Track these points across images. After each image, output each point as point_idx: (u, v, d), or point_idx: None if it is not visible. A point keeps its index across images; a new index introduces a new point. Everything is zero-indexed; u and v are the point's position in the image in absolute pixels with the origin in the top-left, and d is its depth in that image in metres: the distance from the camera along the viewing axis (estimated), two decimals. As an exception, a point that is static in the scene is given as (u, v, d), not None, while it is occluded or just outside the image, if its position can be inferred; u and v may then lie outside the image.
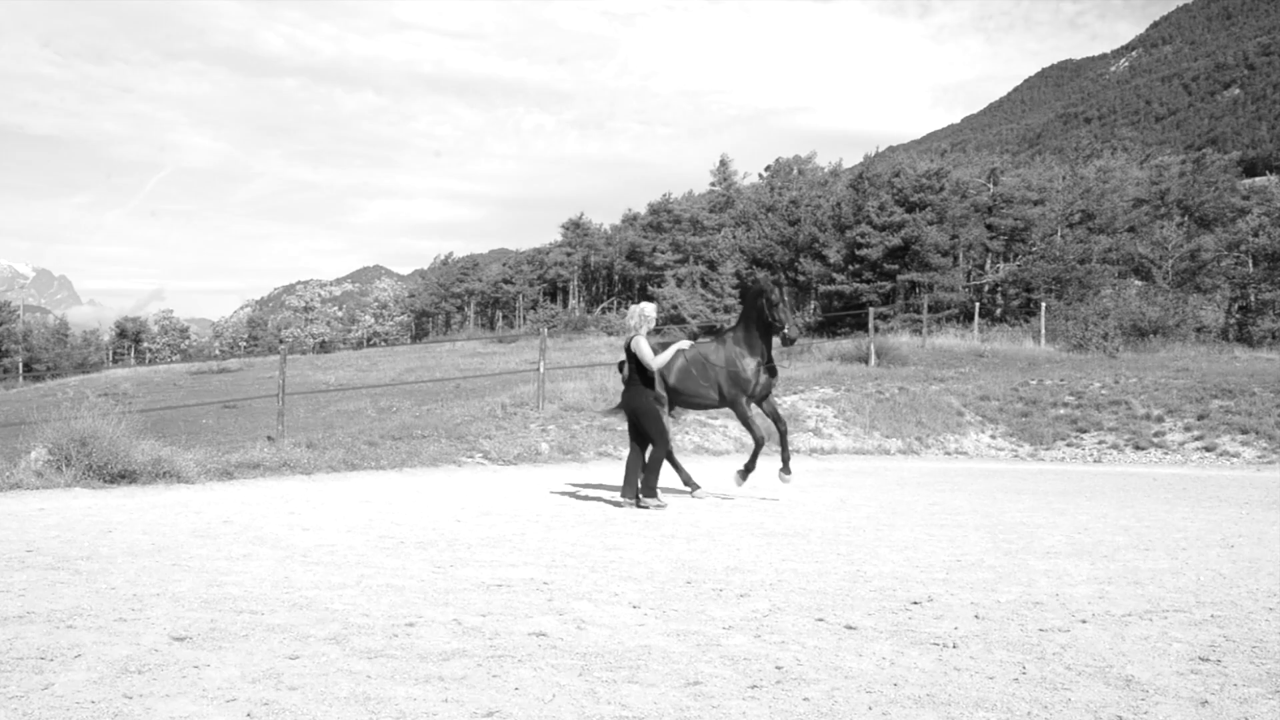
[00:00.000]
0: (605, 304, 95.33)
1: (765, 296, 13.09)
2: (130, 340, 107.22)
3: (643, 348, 12.33)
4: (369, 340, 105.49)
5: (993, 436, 22.25)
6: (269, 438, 17.62)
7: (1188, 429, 21.55)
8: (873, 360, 28.91)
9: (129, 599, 6.58)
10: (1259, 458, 20.12)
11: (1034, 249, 63.63)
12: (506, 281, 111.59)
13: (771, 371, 13.34)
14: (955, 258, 65.02)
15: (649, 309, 12.80)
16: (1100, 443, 21.51)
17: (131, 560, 7.98)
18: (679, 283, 78.57)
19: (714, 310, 72.48)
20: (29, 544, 8.74)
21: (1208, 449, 20.66)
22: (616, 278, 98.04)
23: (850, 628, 6.15)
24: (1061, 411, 23.00)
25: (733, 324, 13.83)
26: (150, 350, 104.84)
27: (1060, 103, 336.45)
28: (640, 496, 12.14)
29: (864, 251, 63.63)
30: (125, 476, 13.35)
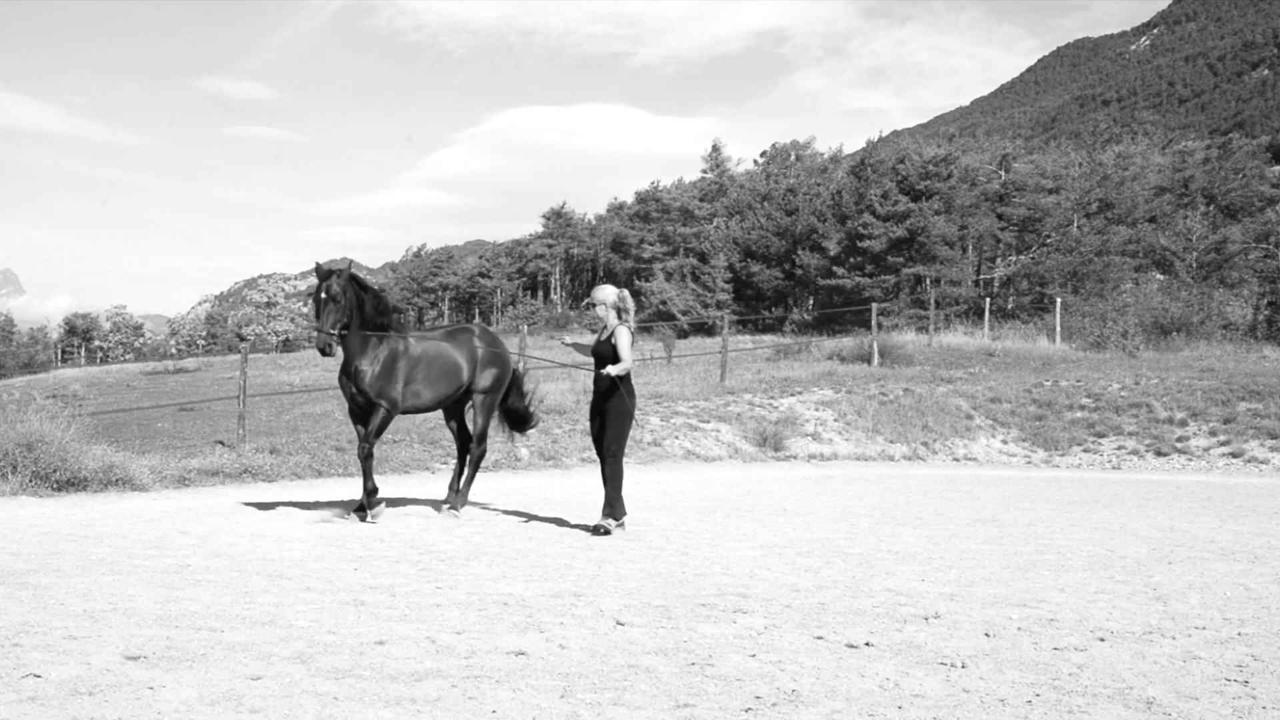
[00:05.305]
0: (589, 300, 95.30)
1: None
2: (80, 338, 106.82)
3: (624, 341, 11.07)
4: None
5: (1004, 441, 22.29)
6: (220, 442, 17.58)
7: (1213, 433, 21.60)
8: (875, 360, 28.91)
9: (79, 615, 6.56)
10: (1288, 464, 20.17)
11: (1048, 240, 63.75)
12: (483, 275, 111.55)
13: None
14: (964, 250, 65.12)
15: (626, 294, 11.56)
16: (1119, 448, 21.56)
17: (82, 574, 7.96)
18: (668, 276, 78.57)
19: (705, 305, 72.46)
20: (-30, 557, 8.72)
21: (1234, 455, 20.71)
22: (601, 271, 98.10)
23: (851, 646, 6.16)
24: (1078, 415, 23.05)
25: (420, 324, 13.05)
26: (102, 349, 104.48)
27: (1077, 84, 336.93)
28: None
29: (866, 243, 63.67)
30: (75, 484, 13.31)
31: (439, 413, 13.34)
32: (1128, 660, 5.92)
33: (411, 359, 11.82)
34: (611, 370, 10.85)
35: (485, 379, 12.49)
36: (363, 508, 11.69)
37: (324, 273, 11.29)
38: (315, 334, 11.25)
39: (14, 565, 8.29)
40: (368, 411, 11.76)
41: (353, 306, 11.33)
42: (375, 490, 11.82)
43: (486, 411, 12.66)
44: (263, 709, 4.78)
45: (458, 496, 12.49)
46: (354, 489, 14.48)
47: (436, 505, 12.64)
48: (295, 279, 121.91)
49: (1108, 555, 9.97)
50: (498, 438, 14.00)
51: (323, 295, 11.17)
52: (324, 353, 11.25)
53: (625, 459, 15.31)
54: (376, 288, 11.92)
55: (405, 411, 12.26)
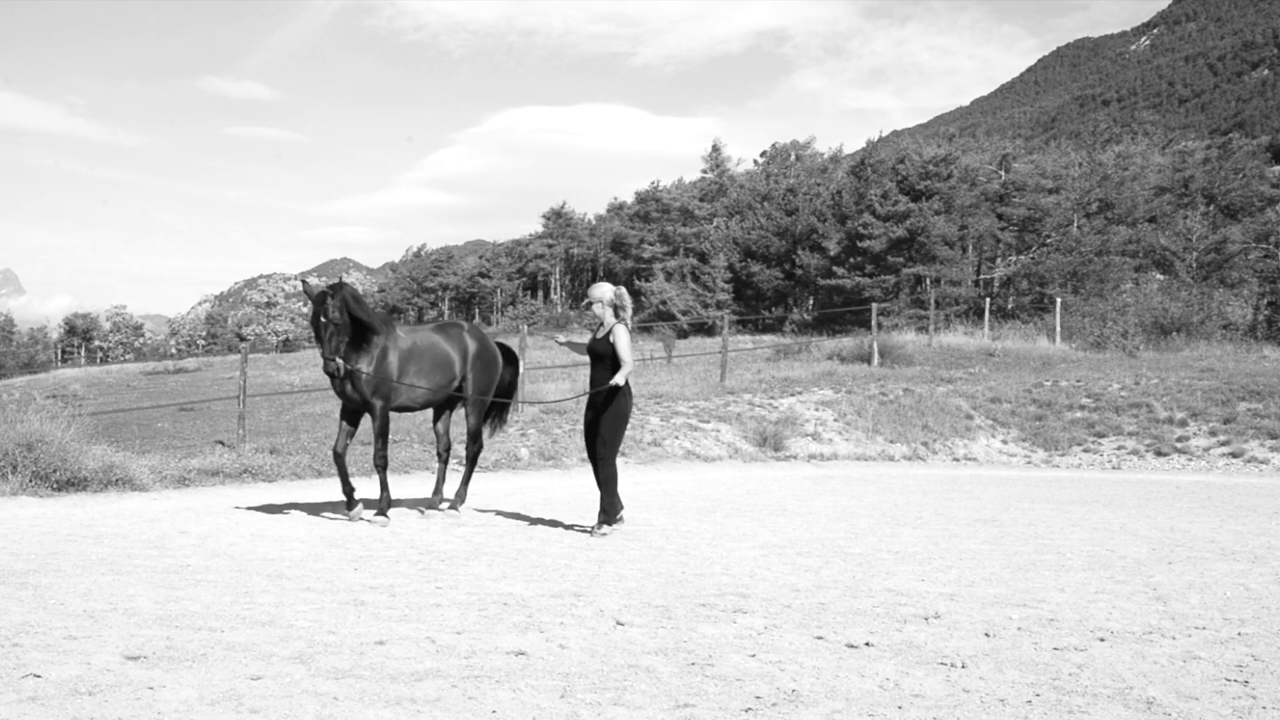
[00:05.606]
0: (586, 299, 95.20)
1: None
2: (80, 338, 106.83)
3: (623, 339, 11.05)
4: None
5: (1004, 441, 22.29)
6: (220, 442, 17.58)
7: (1213, 433, 21.60)
8: (875, 360, 28.90)
9: (79, 615, 6.56)
10: (1288, 464, 20.15)
11: (1048, 240, 63.74)
12: (483, 275, 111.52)
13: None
14: (964, 250, 65.10)
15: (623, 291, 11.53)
16: (1119, 448, 21.56)
17: (82, 574, 7.96)
18: (668, 276, 78.52)
19: (705, 305, 72.43)
20: (-30, 557, 8.71)
21: (1234, 455, 20.70)
22: (601, 271, 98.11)
23: (851, 646, 6.16)
24: (1078, 415, 23.04)
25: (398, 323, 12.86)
26: (102, 349, 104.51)
27: (1077, 84, 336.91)
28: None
29: (866, 243, 63.65)
30: (75, 484, 13.31)
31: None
32: (1128, 660, 5.92)
33: (403, 352, 11.78)
34: (617, 379, 10.77)
35: (477, 375, 12.48)
36: (350, 507, 11.71)
37: (319, 296, 11.16)
38: (323, 360, 11.18)
39: (14, 565, 8.29)
40: (359, 411, 11.76)
41: (349, 324, 11.24)
42: (390, 501, 11.86)
43: (478, 410, 12.66)
44: (263, 709, 4.78)
45: (456, 497, 12.49)
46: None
47: (422, 509, 12.65)
48: (295, 279, 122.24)
49: (1108, 555, 9.97)
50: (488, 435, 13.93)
51: (322, 320, 11.08)
52: (333, 377, 11.24)
53: (625, 459, 15.33)
54: (365, 301, 11.76)
55: (402, 407, 12.22)
